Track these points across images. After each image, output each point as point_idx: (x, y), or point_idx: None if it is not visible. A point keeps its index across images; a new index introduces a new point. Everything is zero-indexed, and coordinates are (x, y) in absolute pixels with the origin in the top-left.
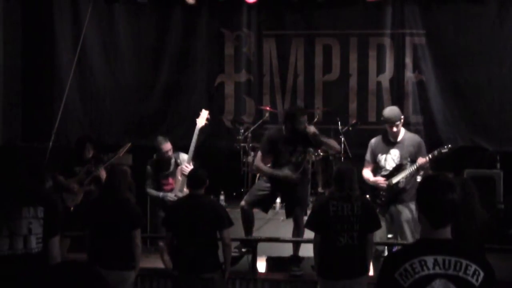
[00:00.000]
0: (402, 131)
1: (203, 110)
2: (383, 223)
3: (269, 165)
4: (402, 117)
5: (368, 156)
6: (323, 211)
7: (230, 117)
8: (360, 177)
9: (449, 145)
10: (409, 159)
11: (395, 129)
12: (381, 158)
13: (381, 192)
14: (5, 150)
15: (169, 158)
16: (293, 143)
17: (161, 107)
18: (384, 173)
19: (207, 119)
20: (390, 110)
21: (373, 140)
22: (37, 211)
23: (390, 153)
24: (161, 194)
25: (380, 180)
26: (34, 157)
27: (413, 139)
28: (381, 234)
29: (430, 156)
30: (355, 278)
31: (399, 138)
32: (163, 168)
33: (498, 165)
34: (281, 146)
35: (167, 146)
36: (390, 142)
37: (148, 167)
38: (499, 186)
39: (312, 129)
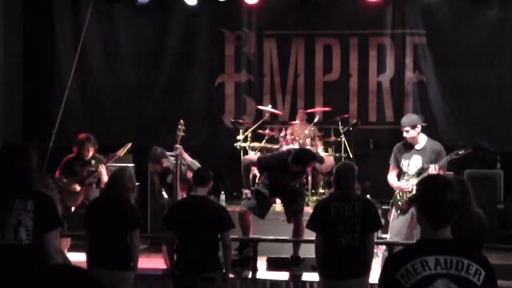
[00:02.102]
0: (424, 138)
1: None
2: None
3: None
4: (419, 125)
5: (392, 161)
6: (324, 212)
7: (230, 117)
8: (385, 181)
9: (464, 149)
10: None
11: (405, 134)
12: (404, 163)
13: (403, 195)
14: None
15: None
16: (294, 173)
17: (161, 107)
18: (406, 177)
19: (183, 131)
20: (406, 116)
21: (397, 145)
22: (27, 204)
23: (412, 159)
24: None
25: (404, 185)
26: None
27: (434, 147)
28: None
29: (440, 163)
30: (356, 278)
31: (421, 145)
32: (165, 177)
33: (498, 165)
34: (283, 175)
35: (164, 162)
36: (413, 148)
37: (156, 183)
38: (499, 186)
39: (321, 170)
